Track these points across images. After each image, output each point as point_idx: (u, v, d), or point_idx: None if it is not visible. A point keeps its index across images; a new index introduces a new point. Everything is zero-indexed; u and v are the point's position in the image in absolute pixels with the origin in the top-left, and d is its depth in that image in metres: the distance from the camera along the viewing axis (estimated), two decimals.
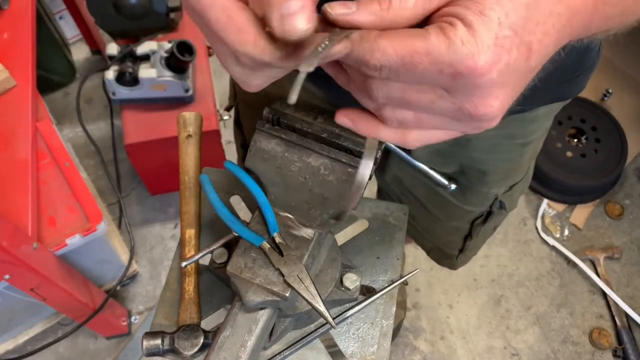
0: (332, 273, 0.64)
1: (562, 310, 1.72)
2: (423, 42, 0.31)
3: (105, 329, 1.58)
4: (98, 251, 1.38)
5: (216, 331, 0.60)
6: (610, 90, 2.01)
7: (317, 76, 0.38)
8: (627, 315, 1.68)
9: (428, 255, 1.06)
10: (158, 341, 0.62)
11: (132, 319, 1.66)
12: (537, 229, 1.86)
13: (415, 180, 0.83)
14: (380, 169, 0.85)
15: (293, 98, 0.31)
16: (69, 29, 2.13)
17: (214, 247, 0.64)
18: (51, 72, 2.00)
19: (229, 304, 0.67)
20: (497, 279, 1.78)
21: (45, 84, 1.96)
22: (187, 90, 1.49)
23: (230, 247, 0.66)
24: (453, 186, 0.79)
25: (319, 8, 0.34)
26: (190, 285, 0.70)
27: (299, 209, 0.59)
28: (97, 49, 2.15)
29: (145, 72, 1.43)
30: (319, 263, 0.64)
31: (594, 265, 1.79)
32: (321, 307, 0.54)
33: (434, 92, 0.34)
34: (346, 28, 0.33)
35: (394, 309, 0.69)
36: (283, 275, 0.55)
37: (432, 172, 0.76)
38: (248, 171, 0.62)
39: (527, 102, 0.38)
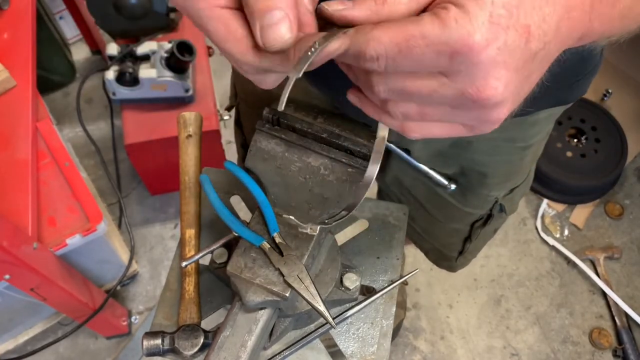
0: (332, 273, 0.64)
1: (562, 310, 1.72)
2: (417, 26, 0.31)
3: (105, 329, 1.58)
4: (98, 251, 1.38)
5: (216, 331, 0.60)
6: (610, 90, 2.01)
7: (317, 76, 0.38)
8: (627, 315, 1.68)
9: (426, 257, 1.06)
10: (158, 341, 0.62)
11: (132, 319, 1.66)
12: (537, 229, 1.85)
13: (415, 181, 0.83)
14: (380, 169, 0.85)
15: (281, 106, 0.32)
16: (69, 29, 2.13)
17: (214, 247, 0.64)
18: (51, 72, 2.00)
19: (229, 304, 0.67)
20: (497, 279, 1.78)
21: (45, 84, 1.96)
22: (187, 90, 1.49)
23: (230, 247, 0.66)
24: (453, 186, 0.79)
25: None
26: (190, 285, 0.70)
27: (299, 209, 0.59)
28: (97, 49, 2.15)
29: (145, 72, 1.43)
30: (319, 263, 0.64)
31: (593, 265, 1.79)
32: (321, 307, 0.54)
33: (435, 80, 0.33)
34: (342, 26, 0.34)
35: (394, 309, 0.69)
36: (283, 275, 0.55)
37: (432, 172, 0.76)
38: (248, 171, 0.62)
39: (528, 105, 0.38)
